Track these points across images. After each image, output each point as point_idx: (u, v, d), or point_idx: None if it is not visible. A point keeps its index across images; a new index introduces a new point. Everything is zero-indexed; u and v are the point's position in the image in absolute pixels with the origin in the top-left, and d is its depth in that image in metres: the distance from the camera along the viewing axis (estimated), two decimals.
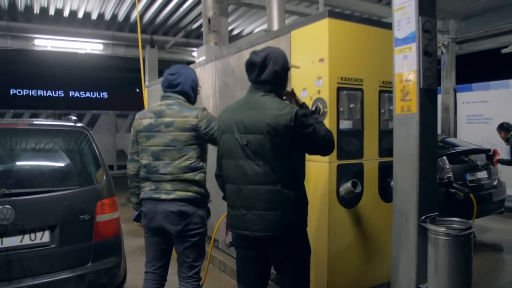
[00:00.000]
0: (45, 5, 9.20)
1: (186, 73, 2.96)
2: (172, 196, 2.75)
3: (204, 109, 2.84)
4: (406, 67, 2.76)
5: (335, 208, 3.23)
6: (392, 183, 3.00)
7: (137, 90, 23.36)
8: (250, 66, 2.48)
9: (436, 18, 2.84)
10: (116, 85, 24.30)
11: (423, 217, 2.66)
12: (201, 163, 2.83)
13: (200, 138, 2.79)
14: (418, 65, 2.69)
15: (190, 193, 2.75)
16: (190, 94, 2.96)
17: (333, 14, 3.22)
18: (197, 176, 2.79)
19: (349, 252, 3.35)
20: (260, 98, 2.40)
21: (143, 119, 2.92)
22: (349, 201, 3.29)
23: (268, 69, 2.40)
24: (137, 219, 3.11)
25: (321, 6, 5.54)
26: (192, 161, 2.77)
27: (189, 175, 2.76)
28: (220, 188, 2.65)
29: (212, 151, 2.84)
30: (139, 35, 5.47)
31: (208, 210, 2.95)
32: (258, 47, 3.98)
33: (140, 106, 12.64)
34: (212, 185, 2.85)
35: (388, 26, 3.13)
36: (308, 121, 2.30)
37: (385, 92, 3.46)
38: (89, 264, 3.30)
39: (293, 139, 2.27)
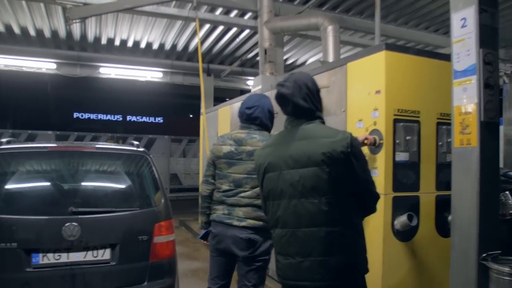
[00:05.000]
0: (112, 36, 9.82)
1: (262, 105, 2.98)
2: (243, 223, 2.84)
3: None
4: (466, 99, 2.72)
5: (390, 241, 3.18)
6: (450, 218, 2.93)
7: (191, 116, 24.13)
8: (280, 99, 2.22)
9: (498, 49, 2.79)
10: (171, 110, 25.21)
11: (484, 255, 2.57)
12: None
13: None
14: (478, 98, 2.63)
15: (261, 222, 2.81)
16: (268, 125, 3.02)
17: (390, 47, 3.25)
18: None
19: (404, 287, 3.26)
20: (306, 127, 2.15)
21: (222, 146, 3.00)
22: (404, 234, 3.23)
23: (301, 96, 2.15)
24: (204, 237, 3.19)
25: (377, 37, 5.55)
26: None
27: None
28: None
29: None
30: (200, 66, 5.70)
31: None
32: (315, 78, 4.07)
33: (194, 132, 13.07)
34: None
35: (446, 57, 3.10)
36: (362, 152, 2.13)
37: (443, 124, 3.41)
38: (145, 283, 3.41)
39: (350, 168, 2.01)
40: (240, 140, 2.94)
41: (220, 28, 9.26)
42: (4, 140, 3.67)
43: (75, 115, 24.15)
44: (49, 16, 8.53)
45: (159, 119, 25.66)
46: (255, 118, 2.96)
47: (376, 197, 2.15)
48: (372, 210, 2.19)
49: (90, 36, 9.81)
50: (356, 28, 8.41)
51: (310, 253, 2.04)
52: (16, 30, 9.27)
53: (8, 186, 3.46)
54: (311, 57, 11.38)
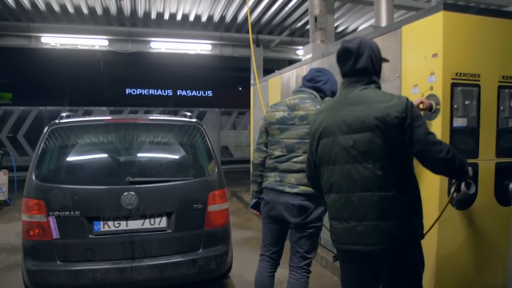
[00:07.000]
0: (161, 11, 9.95)
1: (330, 76, 3.06)
2: (295, 190, 2.85)
3: None
4: None
5: (446, 209, 3.09)
6: (511, 186, 2.80)
7: (240, 88, 24.22)
8: (344, 54, 2.18)
9: None
10: (221, 84, 25.34)
11: None
12: None
13: None
14: None
15: None
16: (327, 93, 3.02)
17: (448, 7, 3.07)
18: None
19: (460, 256, 3.18)
20: (361, 92, 2.13)
21: (275, 112, 3.02)
22: (462, 202, 3.12)
23: (365, 56, 2.13)
24: (255, 206, 3.23)
25: None
26: None
27: None
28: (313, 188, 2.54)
29: None
30: (251, 36, 5.69)
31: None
32: None
33: (244, 104, 13.13)
34: None
35: (511, 15, 2.91)
36: (420, 115, 2.05)
37: (506, 88, 3.21)
38: (200, 250, 3.54)
39: (405, 133, 1.97)
40: (293, 106, 2.94)
41: None
42: (64, 114, 3.85)
43: (127, 91, 24.79)
44: None
45: (209, 93, 25.89)
46: (318, 80, 3.01)
47: (446, 155, 1.99)
48: (451, 169, 2.09)
49: (140, 12, 9.97)
50: None
51: (364, 217, 2.05)
52: (70, 9, 9.61)
53: (70, 158, 3.65)
54: (362, 24, 10.99)
